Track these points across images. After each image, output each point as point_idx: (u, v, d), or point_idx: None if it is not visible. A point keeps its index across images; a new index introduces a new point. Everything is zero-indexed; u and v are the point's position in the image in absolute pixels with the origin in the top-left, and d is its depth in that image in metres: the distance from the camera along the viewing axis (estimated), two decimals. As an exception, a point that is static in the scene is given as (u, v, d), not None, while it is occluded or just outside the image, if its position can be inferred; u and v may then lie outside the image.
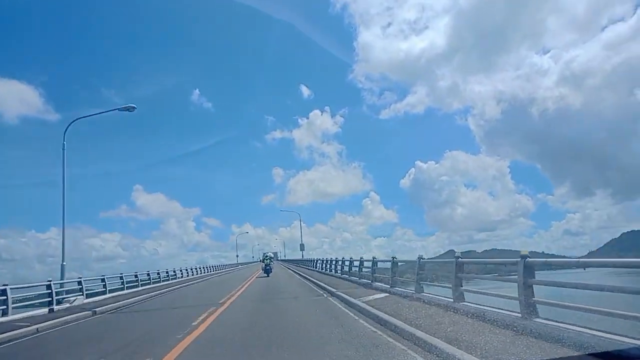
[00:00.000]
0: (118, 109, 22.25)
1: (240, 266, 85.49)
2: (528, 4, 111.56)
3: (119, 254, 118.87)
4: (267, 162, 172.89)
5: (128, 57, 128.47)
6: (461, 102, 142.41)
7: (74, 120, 21.46)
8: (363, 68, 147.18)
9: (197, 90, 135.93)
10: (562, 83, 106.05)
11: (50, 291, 15.03)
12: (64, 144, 20.32)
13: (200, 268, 46.37)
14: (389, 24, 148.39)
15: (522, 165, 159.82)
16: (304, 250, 71.45)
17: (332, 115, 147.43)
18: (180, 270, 36.86)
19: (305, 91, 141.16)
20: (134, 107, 21.74)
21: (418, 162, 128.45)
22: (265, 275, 37.14)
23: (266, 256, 40.70)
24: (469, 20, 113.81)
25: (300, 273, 38.20)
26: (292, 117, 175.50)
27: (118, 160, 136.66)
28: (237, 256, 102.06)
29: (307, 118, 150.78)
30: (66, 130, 20.67)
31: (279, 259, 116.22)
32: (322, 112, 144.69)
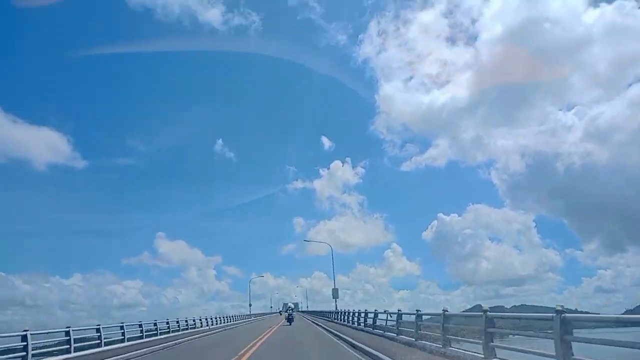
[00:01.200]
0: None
1: (252, 317, 70.72)
2: (551, 60, 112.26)
3: (140, 302, 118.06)
4: (288, 212, 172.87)
5: (152, 106, 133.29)
6: (484, 155, 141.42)
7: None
8: (384, 120, 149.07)
9: (220, 140, 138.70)
10: (587, 139, 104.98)
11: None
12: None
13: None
14: (411, 78, 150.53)
15: (548, 220, 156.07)
16: (337, 297, 49.34)
17: (353, 166, 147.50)
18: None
19: (326, 142, 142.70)
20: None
21: (440, 215, 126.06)
22: (288, 323, 40.87)
23: (288, 307, 47.76)
24: (491, 75, 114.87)
25: (328, 328, 36.95)
26: (313, 167, 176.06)
27: (142, 208, 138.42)
28: (250, 305, 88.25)
29: (328, 169, 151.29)
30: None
31: (299, 310, 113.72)
32: (343, 163, 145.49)
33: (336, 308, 45.00)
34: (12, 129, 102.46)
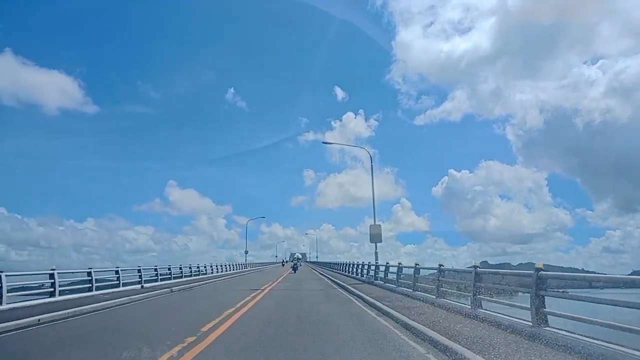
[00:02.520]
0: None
1: (248, 268, 63.92)
2: (580, 5, 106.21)
3: (151, 247, 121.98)
4: (298, 164, 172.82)
5: (165, 52, 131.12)
6: (502, 109, 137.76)
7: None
8: (401, 69, 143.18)
9: (232, 89, 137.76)
10: (610, 94, 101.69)
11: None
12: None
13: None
14: (431, 23, 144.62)
15: (560, 178, 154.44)
16: (378, 241, 29.93)
17: (366, 119, 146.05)
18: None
19: (339, 93, 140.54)
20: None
21: (451, 171, 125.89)
22: (293, 271, 47.48)
23: (294, 257, 52.61)
24: (516, 22, 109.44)
25: (327, 275, 38.52)
26: (325, 118, 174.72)
27: (153, 155, 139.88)
28: (247, 252, 72.82)
29: (341, 120, 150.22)
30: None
31: (307, 260, 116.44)
32: (355, 115, 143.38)
33: (376, 257, 27.70)
34: (23, 72, 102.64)
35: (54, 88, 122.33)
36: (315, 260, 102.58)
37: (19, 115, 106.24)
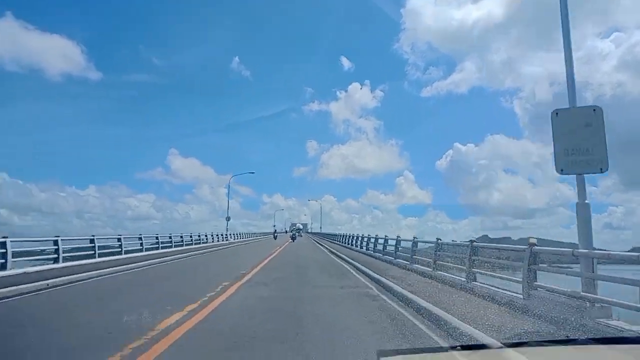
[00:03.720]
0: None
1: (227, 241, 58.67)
2: None
3: (152, 215, 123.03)
4: (302, 134, 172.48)
5: (169, 19, 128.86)
6: (512, 81, 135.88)
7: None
8: (410, 37, 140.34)
9: (236, 58, 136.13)
10: (622, 68, 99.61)
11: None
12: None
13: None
14: None
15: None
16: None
17: (372, 90, 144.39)
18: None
19: (345, 63, 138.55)
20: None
21: (457, 144, 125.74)
22: (292, 240, 54.27)
23: (294, 226, 53.75)
24: None
25: (320, 243, 39.10)
26: (330, 89, 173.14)
27: (156, 123, 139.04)
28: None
29: (346, 91, 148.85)
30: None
31: (307, 231, 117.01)
32: (361, 85, 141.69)
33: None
34: (24, 36, 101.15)
35: (56, 53, 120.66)
36: (319, 231, 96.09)
37: (21, 80, 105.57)
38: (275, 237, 63.38)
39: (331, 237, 58.41)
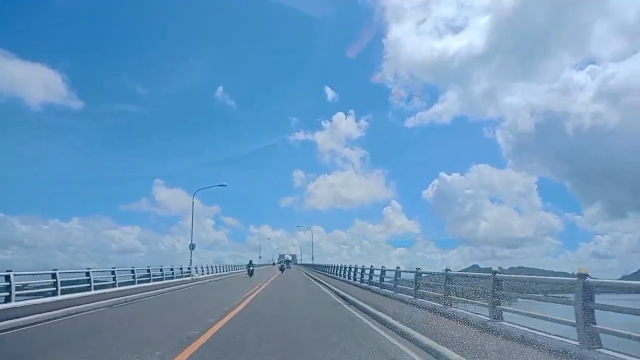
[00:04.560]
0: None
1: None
2: (576, 5, 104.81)
3: (138, 248, 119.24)
4: (288, 164, 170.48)
5: (152, 49, 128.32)
6: (494, 110, 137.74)
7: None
8: (392, 66, 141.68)
9: (220, 87, 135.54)
10: (599, 99, 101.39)
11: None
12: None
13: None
14: (424, 20, 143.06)
15: (550, 183, 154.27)
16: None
17: (357, 119, 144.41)
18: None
19: (329, 93, 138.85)
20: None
21: (442, 174, 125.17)
22: (280, 271, 54.21)
23: (283, 258, 55.58)
24: (510, 21, 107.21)
25: (321, 281, 36.84)
26: (315, 119, 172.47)
27: (140, 154, 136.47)
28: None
29: (331, 121, 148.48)
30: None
31: (297, 262, 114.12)
32: (346, 115, 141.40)
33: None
34: (4, 64, 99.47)
35: (37, 82, 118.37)
36: (310, 262, 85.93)
37: (1, 110, 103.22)
38: (250, 273, 42.63)
39: (322, 268, 55.76)
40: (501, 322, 8.61)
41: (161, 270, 27.49)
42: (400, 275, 17.62)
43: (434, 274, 14.42)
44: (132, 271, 22.67)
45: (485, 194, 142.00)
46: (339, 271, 36.71)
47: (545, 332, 7.21)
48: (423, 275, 14.88)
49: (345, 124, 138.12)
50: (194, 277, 33.24)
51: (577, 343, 6.22)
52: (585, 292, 6.30)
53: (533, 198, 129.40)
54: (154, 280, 25.44)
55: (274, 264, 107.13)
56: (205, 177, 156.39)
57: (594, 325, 6.11)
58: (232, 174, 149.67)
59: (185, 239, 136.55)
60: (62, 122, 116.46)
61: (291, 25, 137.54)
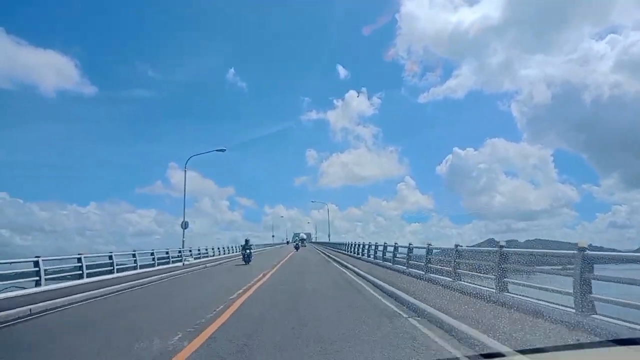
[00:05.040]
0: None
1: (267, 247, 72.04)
2: None
3: (154, 230, 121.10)
4: (301, 144, 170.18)
5: (163, 33, 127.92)
6: (510, 83, 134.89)
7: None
8: (405, 42, 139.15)
9: (232, 69, 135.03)
10: (619, 69, 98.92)
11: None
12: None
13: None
14: None
15: (566, 155, 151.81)
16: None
17: (369, 97, 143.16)
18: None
19: (341, 71, 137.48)
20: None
21: (456, 149, 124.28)
22: (296, 250, 56.30)
23: (297, 237, 56.03)
24: None
25: (328, 254, 37.80)
26: (327, 97, 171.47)
27: (154, 138, 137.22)
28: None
29: (343, 99, 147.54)
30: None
31: (311, 240, 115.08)
32: (358, 93, 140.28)
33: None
34: (17, 52, 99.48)
35: (51, 69, 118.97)
36: (327, 240, 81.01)
37: (15, 98, 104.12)
38: (247, 260, 28.96)
39: (338, 246, 55.07)
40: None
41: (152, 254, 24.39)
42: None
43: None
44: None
45: (500, 167, 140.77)
46: (356, 249, 35.56)
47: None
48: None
49: (358, 102, 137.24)
50: (186, 263, 28.24)
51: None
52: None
53: (549, 170, 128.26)
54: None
55: (287, 242, 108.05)
56: (219, 159, 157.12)
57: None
58: (245, 155, 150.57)
59: (201, 220, 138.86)
60: (76, 108, 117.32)
61: (300, 4, 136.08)
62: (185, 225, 32.06)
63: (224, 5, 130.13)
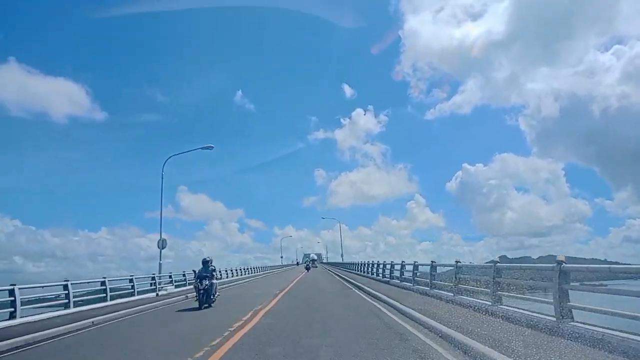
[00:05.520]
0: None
1: (276, 269, 68.14)
2: None
3: (166, 254, 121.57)
4: (309, 163, 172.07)
5: (171, 57, 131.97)
6: (517, 97, 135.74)
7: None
8: (410, 59, 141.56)
9: (239, 92, 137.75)
10: (626, 80, 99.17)
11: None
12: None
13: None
14: (441, 9, 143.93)
15: (578, 168, 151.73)
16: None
17: (376, 115, 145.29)
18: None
19: (347, 90, 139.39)
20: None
21: (465, 165, 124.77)
22: (306, 270, 53.93)
23: (307, 257, 57.41)
24: (531, 2, 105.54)
25: (342, 276, 37.32)
26: (334, 116, 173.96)
27: (162, 161, 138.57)
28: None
29: (350, 117, 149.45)
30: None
31: (322, 261, 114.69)
32: (365, 111, 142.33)
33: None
34: (29, 80, 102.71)
35: (62, 96, 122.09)
36: (339, 260, 76.64)
37: (28, 125, 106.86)
38: (203, 298, 15.44)
39: (348, 266, 54.12)
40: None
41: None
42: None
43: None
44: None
45: (511, 183, 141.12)
46: (368, 269, 34.55)
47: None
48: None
49: (365, 120, 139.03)
50: (162, 293, 21.90)
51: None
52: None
53: (560, 184, 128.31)
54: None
55: (297, 263, 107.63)
56: (228, 180, 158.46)
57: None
58: (254, 177, 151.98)
59: (211, 243, 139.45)
60: (87, 133, 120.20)
61: (304, 25, 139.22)
62: (163, 245, 26.13)
63: (229, 28, 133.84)
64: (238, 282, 33.74)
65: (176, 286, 24.71)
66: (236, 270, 42.22)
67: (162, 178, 27.68)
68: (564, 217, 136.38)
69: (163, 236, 26.35)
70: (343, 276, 36.57)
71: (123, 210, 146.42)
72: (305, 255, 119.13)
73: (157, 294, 20.97)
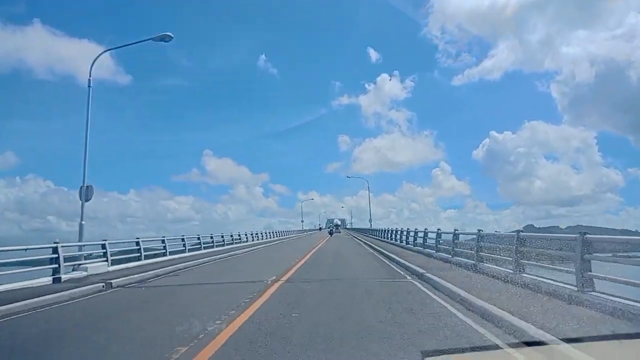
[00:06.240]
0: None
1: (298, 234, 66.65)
2: None
3: (192, 217, 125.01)
4: (333, 129, 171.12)
5: (195, 20, 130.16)
6: (549, 62, 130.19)
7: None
8: (438, 21, 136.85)
9: (263, 56, 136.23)
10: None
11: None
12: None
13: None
14: None
15: (611, 137, 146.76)
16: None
17: (402, 80, 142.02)
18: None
19: (373, 54, 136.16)
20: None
21: (493, 133, 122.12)
22: (330, 235, 55.96)
23: (331, 222, 57.54)
24: None
25: (369, 243, 38.18)
26: (359, 82, 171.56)
27: (188, 125, 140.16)
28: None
29: (375, 83, 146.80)
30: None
31: (345, 227, 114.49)
32: (390, 76, 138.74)
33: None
34: (54, 42, 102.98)
35: (87, 58, 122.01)
36: (367, 226, 67.08)
37: (54, 88, 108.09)
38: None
39: (375, 233, 52.65)
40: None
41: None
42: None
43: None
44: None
45: (540, 151, 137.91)
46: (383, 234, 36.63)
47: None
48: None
49: (390, 86, 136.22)
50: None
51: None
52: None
53: (592, 153, 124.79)
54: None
55: (320, 229, 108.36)
56: (252, 145, 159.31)
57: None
58: (279, 141, 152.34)
59: (237, 207, 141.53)
60: (112, 97, 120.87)
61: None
62: (85, 195, 17.85)
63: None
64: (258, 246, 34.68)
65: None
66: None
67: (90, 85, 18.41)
68: (595, 187, 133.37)
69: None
70: (370, 244, 33.21)
71: (149, 173, 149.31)
72: (328, 220, 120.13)
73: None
